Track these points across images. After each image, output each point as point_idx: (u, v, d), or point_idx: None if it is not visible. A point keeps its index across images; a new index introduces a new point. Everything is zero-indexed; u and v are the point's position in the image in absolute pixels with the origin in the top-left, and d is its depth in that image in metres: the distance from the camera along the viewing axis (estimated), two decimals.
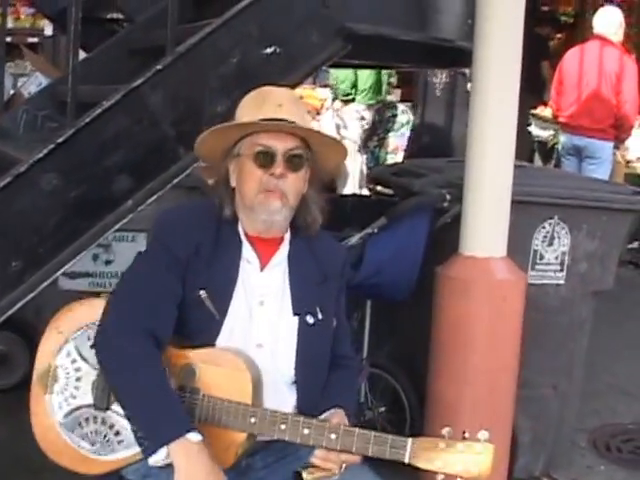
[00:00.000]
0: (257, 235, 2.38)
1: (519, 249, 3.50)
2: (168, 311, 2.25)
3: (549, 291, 3.70)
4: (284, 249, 2.42)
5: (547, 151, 8.29)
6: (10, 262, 2.79)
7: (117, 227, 2.93)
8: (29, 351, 4.11)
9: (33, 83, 4.52)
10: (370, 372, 3.83)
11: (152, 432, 2.13)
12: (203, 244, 2.32)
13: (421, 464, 2.15)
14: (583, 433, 4.35)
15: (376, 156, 8.63)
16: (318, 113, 7.91)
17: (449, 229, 3.45)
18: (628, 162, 8.17)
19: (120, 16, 4.43)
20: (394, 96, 8.84)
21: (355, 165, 8.17)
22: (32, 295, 2.83)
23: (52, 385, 2.30)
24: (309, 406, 2.34)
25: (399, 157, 8.70)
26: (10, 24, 7.81)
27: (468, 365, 3.29)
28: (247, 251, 2.38)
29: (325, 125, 7.95)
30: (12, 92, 4.77)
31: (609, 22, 6.81)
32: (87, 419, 2.28)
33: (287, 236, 2.43)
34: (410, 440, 2.18)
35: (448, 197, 3.45)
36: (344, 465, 2.25)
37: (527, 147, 8.36)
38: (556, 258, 3.67)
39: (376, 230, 3.43)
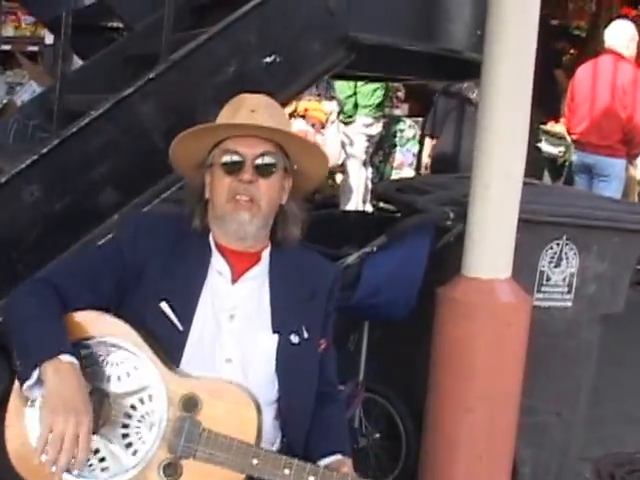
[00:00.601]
0: (230, 247, 2.30)
1: (525, 270, 3.40)
2: (81, 292, 2.23)
3: (555, 314, 3.58)
4: (263, 263, 2.34)
5: (557, 168, 8.19)
6: None
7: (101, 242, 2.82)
8: (9, 366, 3.97)
9: (27, 92, 4.44)
10: (365, 396, 3.70)
11: (25, 356, 2.08)
12: (162, 252, 2.26)
13: None
14: (587, 462, 4.22)
15: (381, 171, 8.53)
16: (323, 127, 7.80)
17: (452, 248, 3.33)
18: None
19: (121, 25, 4.36)
20: (401, 110, 8.74)
21: (359, 180, 8.06)
22: None
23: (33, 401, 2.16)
24: (295, 430, 2.29)
25: (405, 172, 8.62)
26: (10, 32, 7.81)
27: (467, 391, 3.18)
28: (218, 262, 2.30)
29: (330, 139, 7.84)
30: (4, 101, 4.69)
31: (620, 35, 6.75)
32: None
33: (267, 250, 2.36)
34: None
35: (451, 215, 3.32)
36: None
37: (537, 164, 8.26)
38: (564, 280, 3.55)
39: (375, 249, 3.30)
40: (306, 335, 2.31)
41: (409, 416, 3.65)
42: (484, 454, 3.18)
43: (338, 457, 2.29)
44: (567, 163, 7.60)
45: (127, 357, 2.18)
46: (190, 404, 2.12)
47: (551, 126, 8.20)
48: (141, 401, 2.16)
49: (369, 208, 7.69)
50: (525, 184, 3.25)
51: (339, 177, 8.39)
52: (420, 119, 8.45)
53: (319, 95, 8.13)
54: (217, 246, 2.30)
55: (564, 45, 10.31)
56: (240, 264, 2.31)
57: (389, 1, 3.09)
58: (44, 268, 2.75)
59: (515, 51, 3.05)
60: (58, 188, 2.77)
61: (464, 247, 3.20)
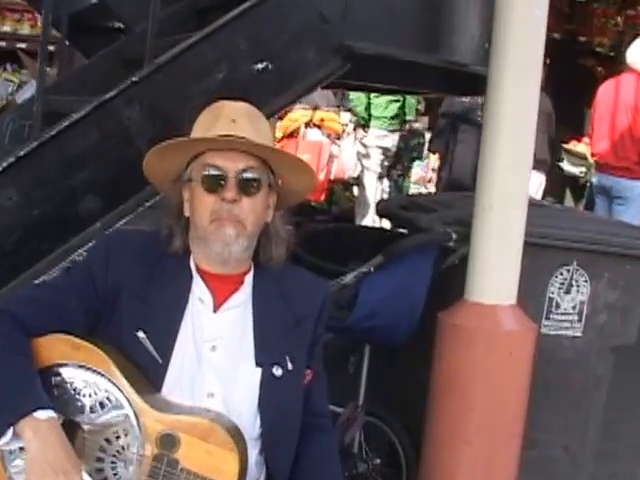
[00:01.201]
0: (212, 271, 2.14)
1: (533, 296, 3.27)
2: (48, 321, 2.04)
3: (564, 343, 3.43)
4: (246, 289, 2.17)
5: (579, 188, 8.00)
6: None
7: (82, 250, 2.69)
8: None
9: (28, 91, 4.34)
10: (365, 421, 3.54)
11: None
12: (138, 276, 2.10)
13: None
14: None
15: (400, 185, 8.35)
16: (338, 138, 7.68)
17: (455, 271, 3.19)
18: None
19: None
20: (421, 124, 8.58)
21: (375, 194, 7.90)
22: None
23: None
24: (279, 465, 2.14)
25: (424, 187, 8.45)
26: (27, 31, 7.74)
27: (467, 422, 3.05)
28: (199, 288, 2.13)
29: (345, 150, 7.71)
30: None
31: None
32: None
33: (250, 274, 2.18)
34: None
35: (454, 236, 3.16)
36: None
37: (559, 183, 8.08)
38: (573, 308, 3.41)
39: (372, 269, 3.13)
40: (290, 367, 2.15)
41: (410, 442, 3.50)
42: None
43: None
44: (588, 184, 7.41)
45: (102, 387, 2.02)
46: (168, 442, 1.97)
47: (573, 145, 8.02)
48: (116, 435, 2.01)
49: (386, 224, 7.53)
50: (535, 205, 3.15)
51: (356, 190, 8.26)
52: None
53: (338, 107, 8.03)
54: (198, 270, 2.14)
55: (594, 63, 10.12)
56: (222, 290, 2.14)
57: (387, 10, 2.96)
58: (19, 279, 2.63)
59: (521, 69, 2.94)
60: (37, 193, 2.63)
61: (467, 270, 3.06)
